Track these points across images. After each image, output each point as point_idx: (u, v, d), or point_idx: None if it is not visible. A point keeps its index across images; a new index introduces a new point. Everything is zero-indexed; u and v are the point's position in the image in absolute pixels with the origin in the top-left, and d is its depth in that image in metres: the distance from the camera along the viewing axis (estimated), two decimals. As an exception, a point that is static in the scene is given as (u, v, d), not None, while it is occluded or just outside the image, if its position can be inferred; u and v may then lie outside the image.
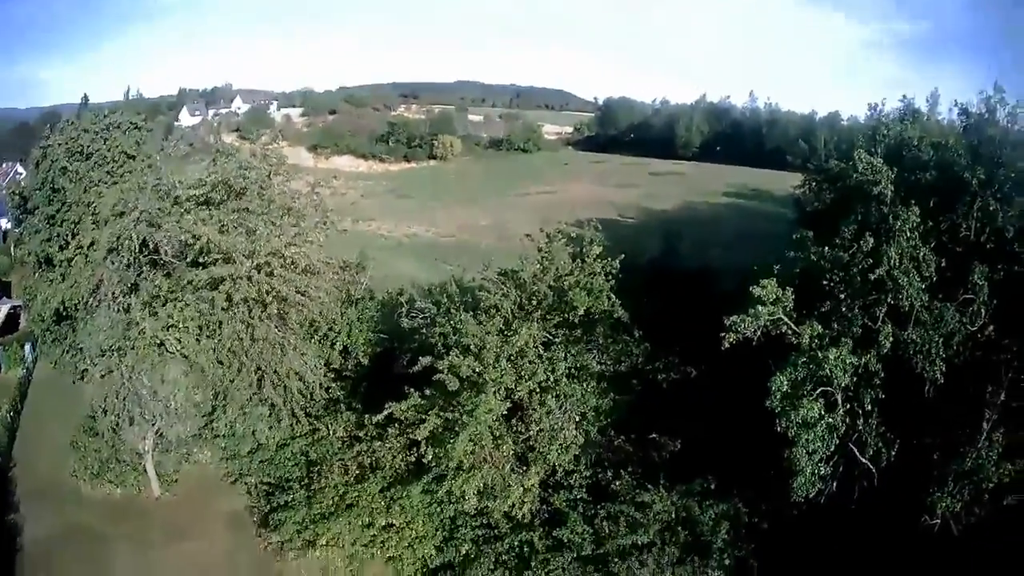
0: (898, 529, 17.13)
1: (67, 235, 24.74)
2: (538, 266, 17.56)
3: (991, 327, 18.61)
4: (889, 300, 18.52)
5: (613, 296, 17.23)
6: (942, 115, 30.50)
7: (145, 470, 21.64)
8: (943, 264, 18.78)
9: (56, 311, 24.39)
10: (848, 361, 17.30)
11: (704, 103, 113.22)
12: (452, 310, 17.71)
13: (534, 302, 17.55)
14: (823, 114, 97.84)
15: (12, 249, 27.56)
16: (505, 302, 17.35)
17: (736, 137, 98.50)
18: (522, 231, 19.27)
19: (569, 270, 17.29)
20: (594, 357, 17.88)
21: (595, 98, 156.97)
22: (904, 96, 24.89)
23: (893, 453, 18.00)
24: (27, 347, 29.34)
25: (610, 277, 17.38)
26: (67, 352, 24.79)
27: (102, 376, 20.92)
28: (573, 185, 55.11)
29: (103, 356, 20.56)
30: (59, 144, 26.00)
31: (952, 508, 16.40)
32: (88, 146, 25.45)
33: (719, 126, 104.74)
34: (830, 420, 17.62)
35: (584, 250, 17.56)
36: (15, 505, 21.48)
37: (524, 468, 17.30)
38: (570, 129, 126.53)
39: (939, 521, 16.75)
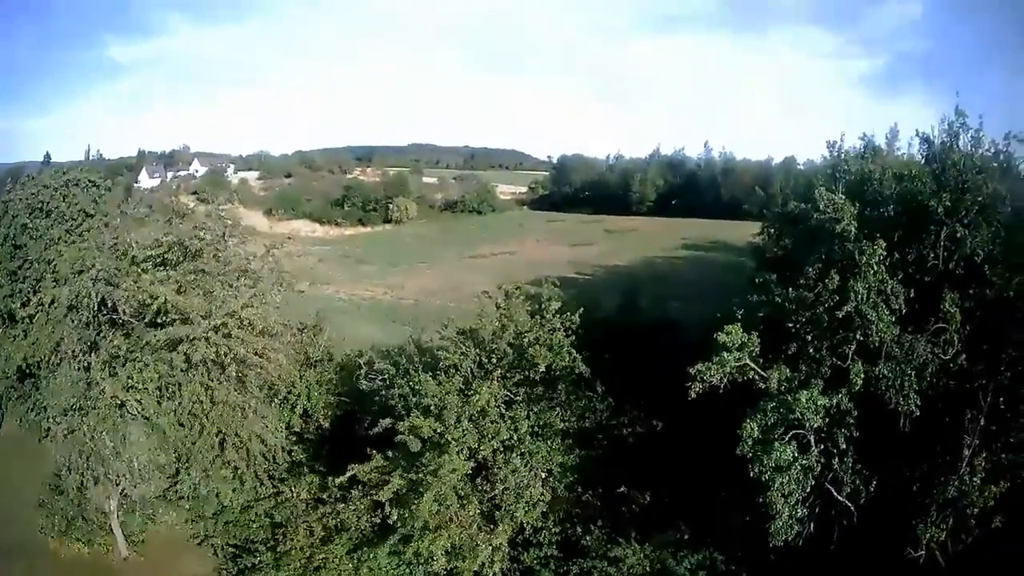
0: (881, 565, 16.95)
1: (29, 291, 24.48)
2: (497, 324, 17.37)
3: (963, 356, 18.46)
4: (858, 337, 18.32)
5: (574, 352, 17.07)
6: (902, 150, 30.42)
7: (111, 530, 21.39)
8: (912, 295, 18.59)
9: (19, 368, 24.10)
10: (819, 403, 17.08)
11: (658, 156, 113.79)
12: (411, 371, 17.50)
13: (494, 360, 17.38)
14: (779, 160, 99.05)
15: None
16: (465, 361, 17.16)
17: (691, 189, 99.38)
18: (479, 291, 19.09)
19: (529, 327, 17.11)
20: (557, 414, 17.68)
21: (548, 156, 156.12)
22: (864, 134, 24.72)
23: (871, 489, 17.80)
24: (-8, 404, 28.90)
25: (570, 332, 17.22)
26: (31, 410, 24.46)
27: (65, 436, 20.67)
28: (529, 245, 55.40)
29: (65, 415, 20.32)
30: (20, 200, 25.84)
31: (937, 537, 16.24)
32: (48, 203, 25.34)
33: (674, 179, 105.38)
34: (804, 462, 17.40)
35: (543, 306, 17.39)
36: None
37: (491, 527, 17.05)
38: (524, 189, 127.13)
39: (923, 552, 16.57)
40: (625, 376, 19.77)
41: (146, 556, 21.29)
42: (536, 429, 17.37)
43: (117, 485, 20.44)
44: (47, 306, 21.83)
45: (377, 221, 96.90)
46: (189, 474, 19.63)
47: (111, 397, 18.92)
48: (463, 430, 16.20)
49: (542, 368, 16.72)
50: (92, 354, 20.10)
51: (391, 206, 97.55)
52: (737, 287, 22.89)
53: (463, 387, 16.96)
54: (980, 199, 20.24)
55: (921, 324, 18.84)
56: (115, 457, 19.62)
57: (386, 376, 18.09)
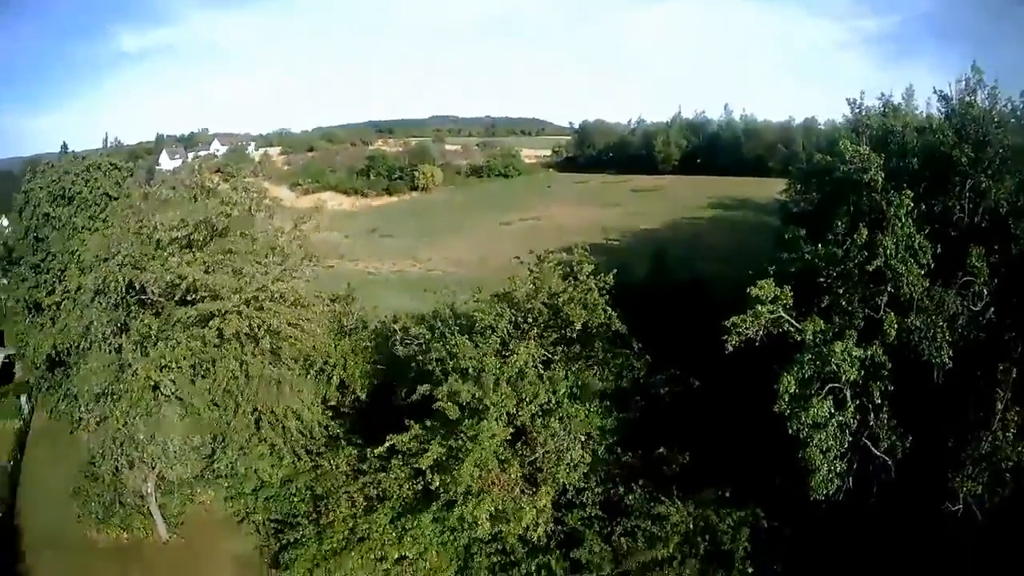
0: (921, 518, 16.80)
1: (53, 282, 24.49)
2: (531, 286, 17.27)
3: (992, 308, 18.35)
4: (889, 289, 18.25)
5: (609, 309, 16.97)
6: (920, 109, 30.26)
7: (150, 513, 21.37)
8: (939, 250, 18.48)
9: (49, 357, 24.14)
10: (854, 354, 17.00)
11: (680, 119, 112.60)
12: (447, 334, 17.41)
13: (530, 320, 17.27)
14: (799, 120, 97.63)
15: (1, 299, 27.23)
16: (500, 322, 17.05)
17: (714, 149, 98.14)
18: (509, 260, 18.96)
19: (563, 288, 17.02)
20: (595, 374, 17.59)
21: (570, 123, 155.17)
22: (881, 93, 24.63)
23: (907, 444, 17.71)
24: (23, 398, 29.01)
25: (604, 292, 17.12)
26: (62, 400, 24.49)
27: (98, 423, 20.67)
28: (556, 209, 54.98)
29: (97, 402, 20.31)
30: (41, 188, 25.73)
31: (973, 491, 16.04)
32: (70, 188, 25.18)
33: (696, 140, 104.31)
34: (840, 418, 17.31)
35: (575, 269, 17.29)
36: (22, 556, 21.16)
37: (534, 489, 17.01)
38: (548, 152, 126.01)
39: (961, 507, 16.40)
40: (660, 336, 19.59)
41: (187, 537, 21.29)
42: (574, 391, 17.29)
43: (153, 468, 20.40)
44: (73, 292, 21.87)
45: (403, 189, 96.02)
46: (226, 453, 19.61)
47: (144, 379, 18.88)
48: (502, 394, 16.14)
49: (578, 326, 16.62)
50: (123, 335, 20.07)
51: (416, 174, 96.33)
52: (765, 246, 22.76)
53: (500, 348, 16.88)
54: (1001, 151, 20.16)
55: (949, 278, 18.72)
56: (149, 440, 19.59)
57: (422, 341, 18.01)
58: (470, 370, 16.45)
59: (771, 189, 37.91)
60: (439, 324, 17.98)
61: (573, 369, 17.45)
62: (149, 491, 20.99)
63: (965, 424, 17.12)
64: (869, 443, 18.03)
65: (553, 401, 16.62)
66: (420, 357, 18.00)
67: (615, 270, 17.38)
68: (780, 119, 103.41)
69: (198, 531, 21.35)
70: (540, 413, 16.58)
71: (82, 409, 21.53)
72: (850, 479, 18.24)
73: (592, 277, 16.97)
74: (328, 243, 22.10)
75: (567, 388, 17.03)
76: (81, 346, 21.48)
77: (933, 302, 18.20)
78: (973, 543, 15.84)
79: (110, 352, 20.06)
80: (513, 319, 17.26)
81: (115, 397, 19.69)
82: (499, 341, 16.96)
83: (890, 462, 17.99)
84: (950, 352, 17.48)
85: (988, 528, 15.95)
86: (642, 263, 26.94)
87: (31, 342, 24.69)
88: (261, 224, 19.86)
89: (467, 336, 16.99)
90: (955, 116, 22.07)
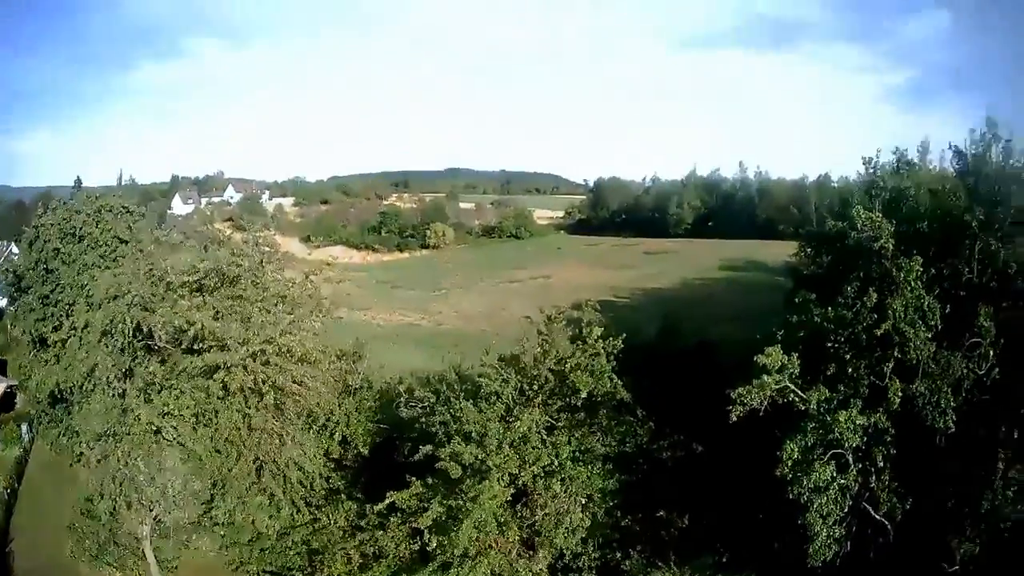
0: None
1: (61, 315, 24.66)
2: (538, 349, 17.32)
3: (997, 369, 18.27)
4: (896, 355, 18.22)
5: (615, 377, 16.98)
6: (934, 163, 30.34)
7: (144, 555, 21.28)
8: (947, 310, 18.51)
9: (51, 393, 24.24)
10: (858, 422, 16.98)
11: (694, 177, 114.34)
12: (452, 398, 17.45)
13: (535, 387, 17.31)
14: (813, 177, 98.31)
15: (8, 327, 27.45)
16: (506, 388, 17.10)
17: (728, 210, 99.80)
18: (518, 316, 19.03)
19: (571, 352, 17.06)
20: (598, 439, 17.58)
21: (585, 180, 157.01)
22: (896, 148, 24.72)
23: (907, 506, 17.63)
24: (24, 427, 29.12)
25: (611, 358, 17.14)
26: (63, 435, 24.57)
27: (98, 461, 20.69)
28: (567, 269, 55.36)
29: (99, 441, 20.36)
30: (51, 225, 26.07)
31: (972, 552, 16.07)
32: (80, 228, 25.51)
33: (710, 200, 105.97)
34: (842, 481, 17.28)
35: (584, 331, 17.34)
36: None
37: (531, 553, 16.90)
38: (561, 213, 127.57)
39: (958, 568, 16.28)
40: (665, 400, 19.68)
41: None
42: (577, 454, 17.26)
43: (151, 511, 20.35)
44: (80, 330, 21.98)
45: (414, 247, 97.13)
46: (224, 500, 19.57)
47: (146, 423, 18.96)
48: (504, 456, 16.11)
49: (584, 394, 16.64)
50: (127, 380, 20.17)
51: (428, 232, 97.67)
52: (775, 308, 22.75)
53: (504, 414, 16.89)
54: (1013, 211, 20.25)
55: (956, 339, 18.75)
56: (149, 483, 19.59)
57: (427, 404, 18.05)
58: (473, 433, 16.44)
59: (782, 251, 38.19)
60: (444, 388, 18.03)
61: (576, 435, 17.42)
62: (145, 534, 20.89)
63: (966, 485, 17.07)
64: (869, 507, 17.94)
65: (556, 463, 16.59)
66: (423, 419, 18.02)
67: (623, 334, 17.41)
68: (794, 176, 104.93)
69: None
70: (542, 475, 16.54)
71: (83, 445, 21.61)
72: (848, 543, 18.10)
73: (600, 341, 17.00)
74: (337, 294, 22.11)
75: (570, 452, 16.98)
76: (84, 386, 21.57)
77: (939, 366, 18.20)
78: None
79: (113, 396, 20.13)
80: (519, 385, 17.30)
81: (117, 438, 19.75)
82: (504, 407, 16.98)
83: (888, 525, 17.89)
84: (953, 417, 17.45)
85: None
86: (651, 322, 27.06)
87: (35, 377, 24.81)
88: (272, 275, 19.98)
89: (471, 401, 17.03)
90: (968, 173, 22.20)
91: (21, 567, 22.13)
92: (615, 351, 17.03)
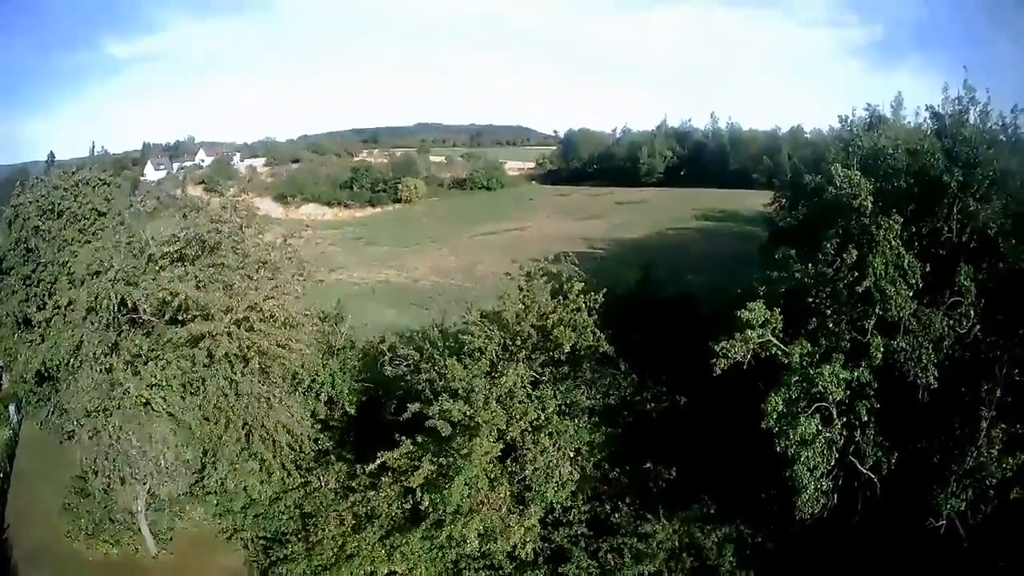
0: (904, 535, 17.05)
1: (44, 295, 24.38)
2: (520, 306, 17.43)
3: (978, 328, 18.56)
4: (877, 311, 18.46)
5: (598, 331, 17.13)
6: (908, 119, 30.60)
7: (139, 529, 21.37)
8: (927, 269, 18.72)
9: (38, 372, 24.04)
10: (841, 376, 17.21)
11: (665, 127, 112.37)
12: (436, 356, 17.54)
13: (518, 342, 17.43)
14: (786, 129, 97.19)
15: (-11, 309, 27.14)
16: (490, 344, 17.21)
17: (699, 160, 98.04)
18: (493, 270, 19.06)
19: (552, 308, 17.18)
20: (583, 393, 17.77)
21: (555, 131, 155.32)
22: (868, 104, 24.92)
23: (893, 461, 17.94)
24: (11, 408, 28.90)
25: (593, 311, 17.27)
26: (52, 413, 24.41)
27: (89, 437, 20.64)
28: (540, 220, 55.06)
29: (88, 417, 20.29)
30: (30, 203, 25.67)
31: (957, 508, 16.35)
32: (59, 203, 25.16)
33: (682, 150, 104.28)
34: (828, 435, 17.55)
35: (565, 286, 17.45)
36: (13, 570, 21.06)
37: (522, 508, 17.16)
38: (532, 164, 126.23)
39: (944, 523, 16.59)
40: (647, 352, 19.83)
41: (175, 553, 21.25)
42: (563, 408, 17.45)
43: (144, 484, 20.41)
44: (63, 309, 21.79)
45: (386, 202, 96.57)
46: (216, 468, 19.64)
47: (135, 396, 18.91)
48: (492, 412, 16.27)
49: (567, 348, 16.79)
50: (114, 355, 20.07)
51: (400, 186, 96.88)
52: (750, 258, 22.82)
53: (489, 370, 17.02)
54: (991, 173, 20.41)
55: (937, 298, 18.97)
56: (141, 456, 19.60)
57: (411, 362, 18.12)
58: (460, 390, 16.57)
59: (756, 201, 38.15)
60: (428, 346, 18.12)
61: (561, 389, 17.60)
62: (140, 508, 20.99)
63: (950, 441, 17.39)
64: (855, 460, 18.24)
65: (542, 418, 16.79)
66: (409, 377, 18.11)
67: (604, 289, 17.52)
68: (766, 127, 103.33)
69: (187, 547, 21.31)
70: (530, 429, 16.74)
71: (73, 423, 21.50)
72: (835, 496, 18.45)
73: (581, 296, 17.12)
74: (315, 253, 21.96)
75: (556, 406, 17.18)
76: (71, 364, 21.41)
77: (920, 324, 18.43)
78: (956, 560, 16.03)
79: (101, 371, 20.02)
80: (502, 341, 17.41)
81: (107, 413, 19.69)
82: (488, 363, 17.10)
83: (875, 479, 18.22)
84: (935, 372, 17.70)
85: (971, 545, 16.16)
86: (628, 272, 26.83)
87: (19, 358, 24.58)
88: (251, 239, 19.87)
89: (456, 358, 17.13)
90: (946, 135, 22.34)
91: (18, 552, 21.99)
92: (596, 305, 17.16)
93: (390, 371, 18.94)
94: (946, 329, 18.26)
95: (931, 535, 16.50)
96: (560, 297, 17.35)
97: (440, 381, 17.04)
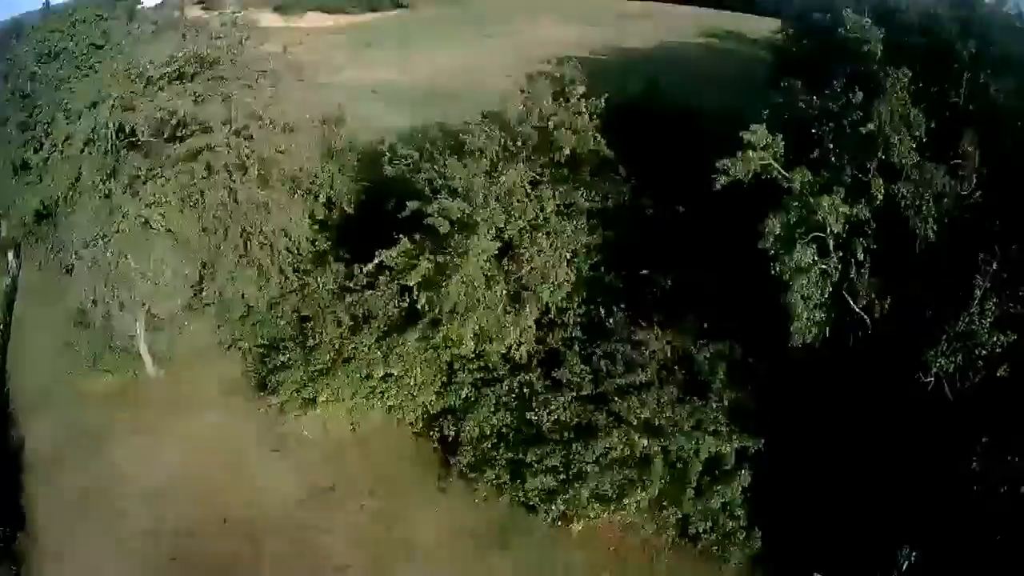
0: (893, 381, 16.91)
1: (41, 136, 24.10)
2: (521, 107, 17.26)
3: (979, 192, 18.46)
4: (880, 155, 18.35)
5: (599, 136, 17.00)
6: None
7: (139, 354, 21.39)
8: (933, 126, 18.56)
9: (36, 212, 23.95)
10: (840, 210, 17.19)
11: None
12: (436, 155, 17.43)
13: (519, 143, 17.32)
14: None
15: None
16: (490, 144, 17.11)
17: None
18: (495, 73, 18.71)
19: (554, 111, 17.02)
20: (581, 194, 17.73)
21: None
22: None
23: (886, 304, 18.02)
24: (9, 255, 28.88)
25: (594, 117, 17.11)
26: (51, 250, 24.37)
27: (88, 267, 20.64)
28: (540, 24, 53.61)
29: (87, 247, 20.26)
30: (26, 51, 25.23)
31: (946, 368, 16.26)
32: (56, 46, 24.68)
33: None
34: (823, 266, 17.62)
35: (567, 90, 17.25)
36: (14, 419, 21.13)
37: (517, 308, 17.25)
38: None
39: (932, 381, 16.53)
40: (648, 161, 19.57)
41: (176, 370, 21.19)
42: (561, 208, 17.46)
43: (144, 306, 20.47)
44: (61, 144, 21.64)
45: (387, 7, 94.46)
46: (214, 279, 19.67)
47: (134, 217, 18.86)
48: (490, 210, 16.28)
49: (567, 151, 16.72)
50: (112, 180, 19.98)
51: None
52: (755, 79, 22.42)
53: (489, 169, 16.97)
54: (1002, 55, 20.07)
55: (940, 156, 18.83)
56: (140, 278, 19.63)
57: (411, 161, 18.04)
58: (459, 189, 16.53)
59: (761, 25, 37.79)
60: (428, 145, 17.98)
61: (560, 190, 17.57)
62: (139, 331, 21.05)
63: (944, 300, 17.36)
64: (849, 297, 18.33)
65: (541, 217, 16.79)
66: (409, 177, 18.04)
67: (606, 94, 17.33)
68: None
69: (186, 364, 21.28)
70: (528, 228, 16.75)
71: (72, 256, 21.46)
72: (827, 330, 18.58)
73: (583, 100, 16.96)
74: (316, 61, 21.45)
75: (554, 206, 17.17)
76: (70, 197, 21.32)
77: (922, 176, 18.33)
78: (938, 417, 15.87)
79: (100, 198, 19.93)
80: (503, 141, 17.30)
81: (106, 240, 19.66)
82: (488, 163, 17.02)
83: (867, 319, 18.34)
84: (934, 226, 17.62)
85: (956, 410, 16.01)
86: (632, 82, 25.80)
87: (17, 201, 24.36)
88: (251, 52, 19.61)
89: (456, 157, 17.02)
90: (961, 6, 21.98)
91: (19, 402, 21.98)
92: (598, 111, 17.01)
93: (390, 171, 18.85)
94: (947, 187, 18.03)
95: (919, 388, 16.32)
96: (562, 100, 17.19)
97: (439, 180, 17.02)
